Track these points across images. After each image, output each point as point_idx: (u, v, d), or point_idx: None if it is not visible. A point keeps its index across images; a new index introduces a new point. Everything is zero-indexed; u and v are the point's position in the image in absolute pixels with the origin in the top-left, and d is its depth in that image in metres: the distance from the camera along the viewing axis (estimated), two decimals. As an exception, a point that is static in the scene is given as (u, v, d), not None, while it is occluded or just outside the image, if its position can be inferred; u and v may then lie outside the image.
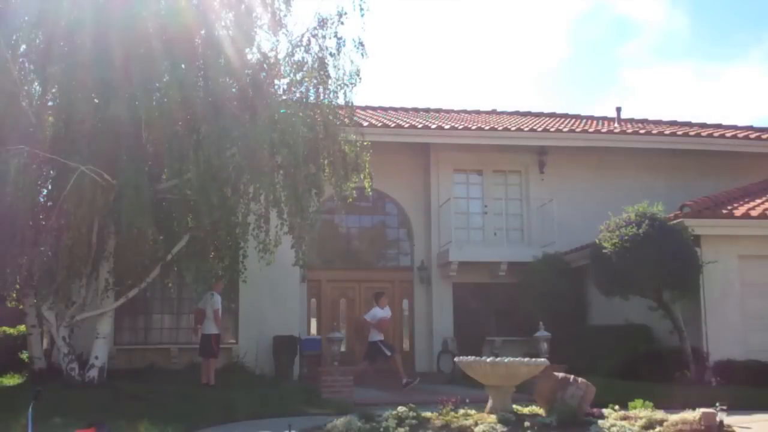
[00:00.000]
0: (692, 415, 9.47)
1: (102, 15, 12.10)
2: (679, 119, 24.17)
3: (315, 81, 13.60)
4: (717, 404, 9.53)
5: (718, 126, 23.19)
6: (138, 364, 17.00)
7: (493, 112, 25.48)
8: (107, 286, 13.58)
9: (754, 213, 15.80)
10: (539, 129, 21.18)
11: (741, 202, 16.82)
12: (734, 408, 10.09)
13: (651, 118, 24.67)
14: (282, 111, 13.00)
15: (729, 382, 14.04)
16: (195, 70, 12.87)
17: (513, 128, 21.15)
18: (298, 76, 13.63)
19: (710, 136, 21.69)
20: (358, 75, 13.77)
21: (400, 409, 9.65)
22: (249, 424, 10.93)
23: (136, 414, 10.21)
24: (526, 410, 10.05)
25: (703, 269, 15.19)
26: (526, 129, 21.12)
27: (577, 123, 23.33)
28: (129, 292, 13.83)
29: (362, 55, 13.63)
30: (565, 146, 20.98)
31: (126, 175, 11.95)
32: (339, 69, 13.68)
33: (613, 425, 9.14)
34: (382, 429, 9.23)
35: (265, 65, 13.55)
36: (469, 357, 10.72)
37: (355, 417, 9.59)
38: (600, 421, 9.35)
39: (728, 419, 9.43)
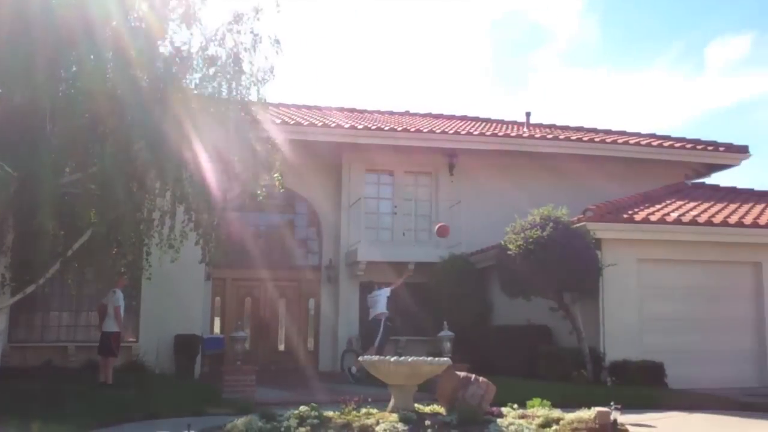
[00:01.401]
0: (588, 413, 9.71)
1: (6, 1, 11.73)
2: (586, 125, 24.74)
3: (228, 76, 13.42)
4: (611, 403, 9.79)
5: (623, 133, 23.83)
6: (33, 362, 16.57)
7: (407, 113, 25.66)
8: (4, 282, 13.16)
9: (653, 218, 16.29)
10: (450, 131, 21.42)
11: (641, 208, 17.33)
12: (628, 407, 10.38)
13: (559, 123, 25.19)
14: (193, 106, 12.83)
15: (624, 381, 14.46)
16: (104, 62, 12.54)
17: (425, 130, 21.34)
18: (211, 71, 13.41)
19: (614, 142, 22.28)
20: (272, 72, 13.62)
21: (302, 408, 9.63)
22: (147, 424, 10.76)
23: (30, 414, 9.93)
24: (427, 409, 10.15)
25: (603, 272, 15.58)
26: (438, 131, 21.34)
27: (487, 126, 23.68)
28: (26, 288, 13.42)
29: (278, 51, 13.50)
30: (475, 149, 21.25)
31: (28, 167, 11.61)
32: (253, 65, 13.54)
33: (511, 424, 9.29)
34: (283, 429, 9.18)
35: (177, 59, 13.29)
36: (373, 356, 10.78)
37: (256, 417, 9.54)
38: (499, 420, 9.50)
39: (622, 418, 9.69)
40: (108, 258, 13.68)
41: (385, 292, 17.36)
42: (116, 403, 11.57)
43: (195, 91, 13.40)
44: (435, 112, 25.89)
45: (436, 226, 18.12)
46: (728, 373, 15.89)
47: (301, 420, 9.35)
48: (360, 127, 20.64)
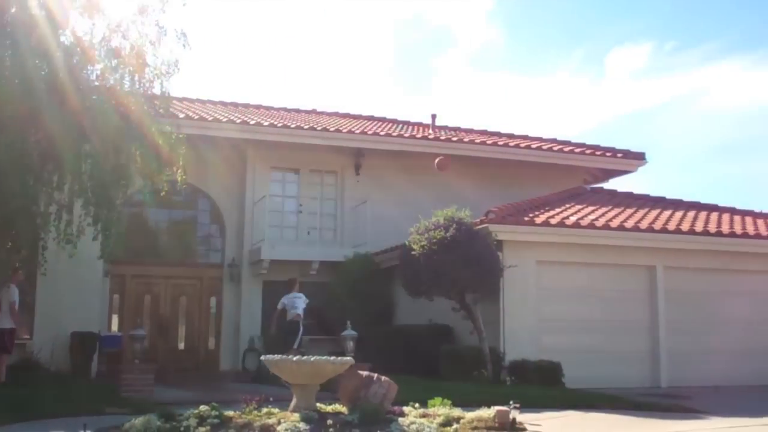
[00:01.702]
0: (487, 412, 9.84)
1: None
2: (491, 129, 25.13)
3: (131, 69, 13.14)
4: (511, 402, 9.95)
5: (525, 137, 24.29)
6: None
7: (313, 111, 25.58)
8: None
9: (553, 221, 16.64)
10: (357, 131, 21.46)
11: (542, 211, 17.70)
12: (526, 406, 10.57)
13: (464, 126, 25.51)
14: (94, 97, 12.50)
15: (523, 381, 14.71)
16: (2, 49, 12.14)
17: (332, 129, 21.31)
18: (114, 63, 13.11)
19: (517, 146, 22.70)
20: (177, 66, 13.37)
21: (202, 408, 9.47)
22: (41, 423, 10.39)
23: None
24: (329, 408, 10.11)
25: (504, 273, 15.84)
26: (345, 130, 21.35)
27: (393, 127, 23.83)
28: None
29: (184, 45, 13.27)
30: (381, 149, 21.34)
31: None
32: (158, 58, 13.27)
33: (412, 423, 9.33)
34: (182, 428, 9.02)
35: (78, 49, 12.95)
36: (276, 355, 10.70)
37: (155, 416, 9.33)
38: (401, 419, 9.53)
39: (520, 417, 9.85)
40: (2, 252, 13.23)
41: (304, 299, 17.07)
42: (9, 402, 11.15)
43: (96, 83, 13.09)
44: (342, 111, 25.90)
45: (437, 159, 17.98)
46: (623, 374, 16.37)
47: (201, 420, 9.19)
48: (266, 124, 20.46)
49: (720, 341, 17.51)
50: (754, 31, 64.42)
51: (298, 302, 16.71)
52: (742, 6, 62.54)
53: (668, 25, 64.84)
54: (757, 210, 22.15)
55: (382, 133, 21.67)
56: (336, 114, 25.55)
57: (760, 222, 19.85)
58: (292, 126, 20.82)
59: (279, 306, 16.86)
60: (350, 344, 15.66)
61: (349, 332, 15.91)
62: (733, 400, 14.17)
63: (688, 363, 17.06)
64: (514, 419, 9.68)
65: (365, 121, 24.60)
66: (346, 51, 63.13)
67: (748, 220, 19.89)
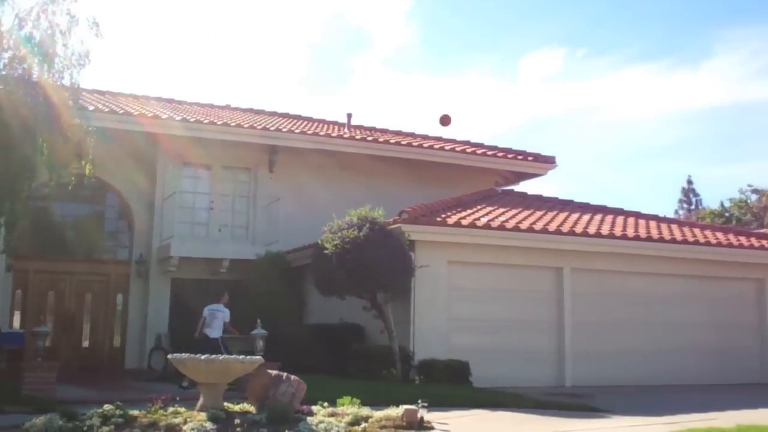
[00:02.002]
0: (396, 411, 9.89)
1: None
2: (405, 130, 25.23)
3: (40, 58, 12.76)
4: (419, 401, 10.02)
5: (439, 139, 24.47)
6: None
7: (227, 107, 25.29)
8: None
9: (464, 222, 16.81)
10: (272, 128, 21.31)
11: (454, 212, 17.85)
12: (435, 405, 10.66)
13: (380, 126, 25.57)
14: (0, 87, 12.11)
15: (431, 380, 14.84)
16: None
17: (246, 125, 21.09)
18: (22, 52, 12.73)
19: (431, 147, 22.87)
20: (88, 57, 13.00)
21: (106, 407, 9.28)
22: (-64, 421, 10.04)
23: None
24: (237, 408, 10.02)
25: (416, 273, 15.94)
26: (259, 127, 21.17)
27: (309, 125, 23.71)
28: None
29: (96, 35, 12.91)
30: (296, 147, 21.20)
31: None
32: (68, 48, 12.91)
33: (321, 422, 9.32)
34: (85, 428, 8.81)
35: (-15, 36, 12.53)
36: (183, 354, 10.56)
37: (57, 415, 9.10)
38: (309, 418, 9.51)
39: (428, 415, 9.93)
40: None
41: (226, 314, 16.56)
42: None
43: (3, 72, 12.68)
44: (257, 108, 25.66)
45: (441, 116, 17.71)
46: (530, 373, 16.67)
47: (105, 419, 9.00)
48: (178, 118, 20.13)
49: (623, 342, 17.98)
50: (658, 41, 66.44)
51: (215, 322, 16.22)
52: (648, 17, 64.43)
53: (580, 33, 66.34)
54: (661, 215, 22.88)
55: (297, 131, 21.55)
56: (250, 110, 25.30)
57: (664, 226, 20.46)
58: (205, 121, 20.52)
59: (203, 314, 16.42)
60: (260, 343, 15.50)
61: (259, 331, 15.76)
62: (634, 399, 14.56)
63: (592, 363, 17.46)
64: (422, 418, 9.76)
65: (280, 119, 24.42)
66: (263, 48, 62.72)
67: (652, 224, 20.45)
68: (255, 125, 21.31)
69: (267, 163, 21.50)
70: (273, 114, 25.31)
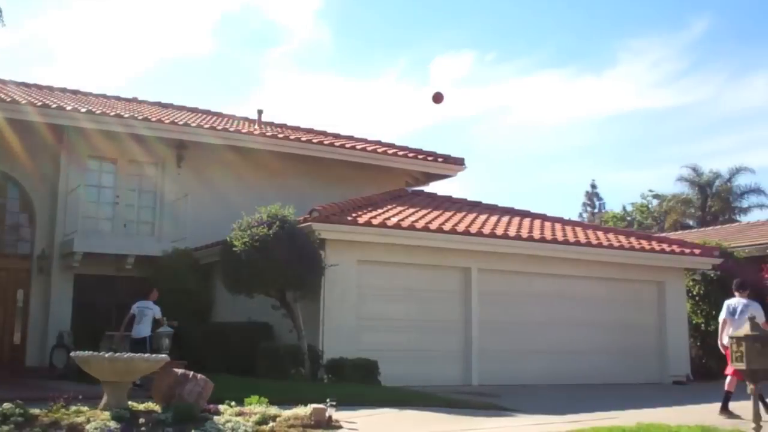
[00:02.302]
0: (304, 410, 9.83)
1: None
2: (317, 128, 25.15)
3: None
4: (327, 400, 9.99)
5: (351, 138, 24.47)
6: None
7: (135, 100, 24.75)
8: None
9: (375, 222, 16.84)
10: (180, 122, 20.91)
11: (365, 211, 17.86)
12: (343, 404, 10.63)
13: (291, 124, 25.42)
14: None
15: (340, 379, 14.82)
16: None
17: (153, 119, 20.63)
18: None
19: (342, 146, 22.84)
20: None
21: (5, 405, 8.94)
22: None
23: None
24: (142, 407, 9.80)
25: (326, 272, 15.89)
26: (167, 121, 20.75)
27: (218, 120, 23.39)
28: None
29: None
30: (205, 142, 20.89)
31: None
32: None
33: (228, 421, 9.20)
34: (-18, 427, 8.51)
35: None
36: (86, 352, 10.30)
37: (-51, 415, 8.74)
38: (216, 417, 9.38)
39: (337, 414, 9.89)
40: None
41: (157, 310, 16.19)
42: None
43: None
44: (165, 101, 25.18)
45: (433, 94, 17.35)
46: (438, 372, 16.83)
47: (4, 418, 8.67)
48: (83, 110, 19.57)
49: (529, 341, 18.33)
50: (565, 49, 68.00)
51: (145, 319, 15.88)
52: (555, 25, 65.85)
53: (489, 37, 67.34)
54: (566, 217, 23.39)
55: (206, 126, 21.24)
56: (158, 104, 24.82)
57: (569, 228, 20.92)
58: (112, 114, 19.98)
59: (131, 311, 16.03)
60: (166, 341, 15.30)
61: (165, 329, 15.54)
62: (539, 398, 14.81)
63: (499, 362, 17.74)
64: (330, 417, 9.72)
65: (189, 113, 24.00)
66: (170, 40, 61.63)
67: (558, 226, 20.88)
68: (163, 119, 20.88)
69: (175, 158, 21.13)
70: (182, 108, 24.87)
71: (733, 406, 11.44)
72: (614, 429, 9.35)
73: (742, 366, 8.98)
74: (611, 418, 10.80)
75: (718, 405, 11.77)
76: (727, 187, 44.97)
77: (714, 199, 44.95)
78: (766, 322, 11.84)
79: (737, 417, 10.99)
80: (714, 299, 22.57)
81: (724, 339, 11.81)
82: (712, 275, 22.52)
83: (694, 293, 23.11)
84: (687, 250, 20.90)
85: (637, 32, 69.92)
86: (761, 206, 43.53)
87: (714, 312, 22.41)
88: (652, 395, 15.91)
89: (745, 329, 9.08)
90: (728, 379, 11.57)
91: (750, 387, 8.90)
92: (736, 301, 12.16)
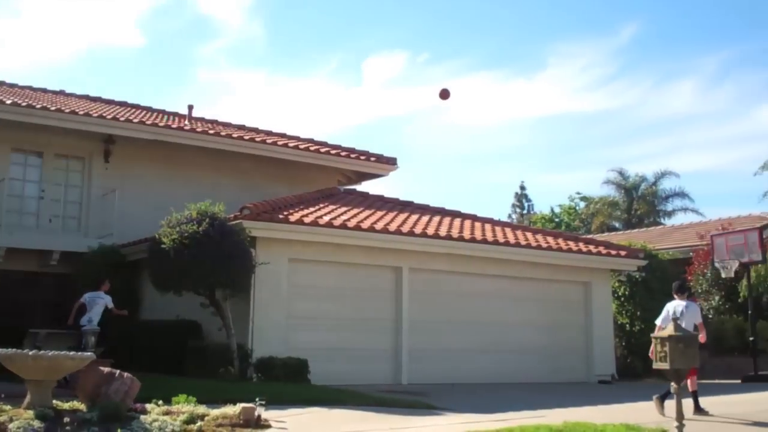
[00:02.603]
0: (233, 409, 9.76)
1: None
2: (249, 124, 24.95)
3: None
4: (257, 399, 9.93)
5: (283, 135, 24.33)
6: None
7: (62, 93, 24.21)
8: None
9: (307, 220, 16.77)
10: (108, 116, 20.52)
11: (296, 209, 17.78)
12: (273, 403, 10.57)
13: (222, 119, 25.18)
14: None
15: (270, 378, 14.73)
16: None
17: (81, 112, 20.18)
18: None
19: (274, 143, 22.70)
20: None
21: None
22: None
23: None
24: (66, 406, 9.61)
25: (256, 270, 15.77)
26: (95, 115, 20.33)
27: (148, 115, 23.00)
28: None
29: None
30: (133, 137, 20.55)
31: None
32: None
33: (155, 420, 9.08)
34: None
35: None
36: (9, 349, 10.05)
37: None
38: (143, 417, 9.25)
39: (266, 413, 9.84)
40: None
41: (108, 300, 15.90)
42: None
43: None
44: (93, 95, 24.69)
45: (440, 90, 17.06)
46: (368, 371, 16.83)
47: None
48: (8, 102, 19.06)
49: (459, 340, 18.48)
50: (497, 51, 68.78)
51: (96, 308, 15.58)
52: (487, 28, 66.54)
53: (422, 38, 67.70)
54: (496, 218, 23.64)
55: (135, 120, 20.87)
56: (86, 97, 24.32)
57: (498, 229, 21.15)
58: (38, 106, 19.50)
59: (81, 299, 15.72)
60: (92, 339, 15.03)
61: (91, 327, 15.26)
62: (468, 397, 14.94)
63: (429, 361, 17.85)
64: (259, 416, 9.67)
65: (118, 107, 23.55)
66: (97, 30, 60.50)
67: (488, 226, 21.10)
68: (91, 112, 20.45)
69: (102, 153, 20.74)
70: (110, 102, 24.40)
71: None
72: (541, 428, 9.47)
73: (665, 366, 9.19)
74: (538, 416, 10.95)
75: (642, 403, 12.04)
76: (652, 190, 46.00)
77: (639, 202, 45.93)
78: (702, 323, 12.19)
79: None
80: (639, 300, 23.18)
81: None
82: (637, 276, 23.05)
83: (620, 294, 23.62)
84: (613, 252, 21.32)
85: (567, 37, 71.14)
86: (685, 209, 44.65)
87: (638, 312, 23.02)
88: (579, 394, 16.18)
89: (669, 330, 9.30)
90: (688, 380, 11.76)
91: (673, 386, 9.11)
92: (676, 304, 12.43)
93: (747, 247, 21.05)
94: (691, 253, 24.59)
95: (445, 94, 16.78)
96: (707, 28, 70.99)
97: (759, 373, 19.82)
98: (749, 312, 20.86)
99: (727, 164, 72.54)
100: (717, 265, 21.77)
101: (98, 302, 15.71)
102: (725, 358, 21.89)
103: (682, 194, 44.94)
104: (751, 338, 20.58)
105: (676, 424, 8.92)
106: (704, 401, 11.75)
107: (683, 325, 11.58)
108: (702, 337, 11.50)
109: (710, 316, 22.77)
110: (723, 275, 21.76)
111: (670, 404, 10.40)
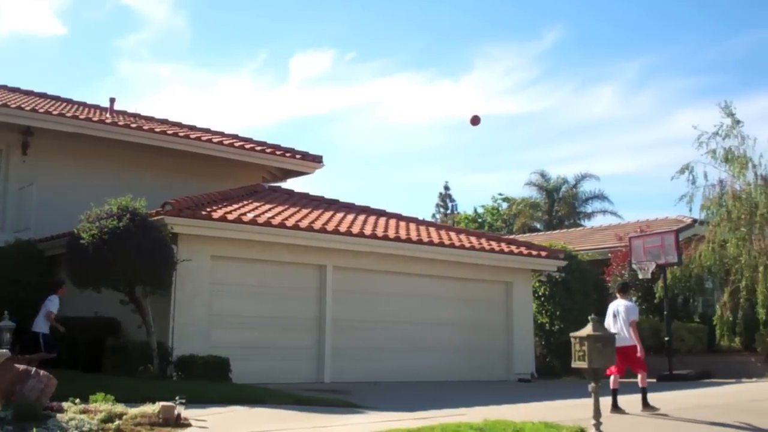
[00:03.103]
0: (152, 408, 9.62)
1: None
2: (172, 119, 24.58)
3: None
4: (177, 398, 9.80)
5: (207, 131, 24.02)
6: None
7: (-23, 82, 23.49)
8: None
9: (230, 217, 16.62)
10: (27, 108, 19.95)
11: (220, 206, 17.59)
12: (193, 401, 10.45)
13: (145, 113, 24.74)
14: None
15: (190, 376, 14.56)
16: None
17: (-2, 103, 19.67)
18: None
19: (198, 139, 22.39)
20: None
21: None
22: None
23: None
24: (-21, 405, 9.36)
25: (178, 267, 15.57)
26: (13, 105, 19.74)
27: (68, 107, 22.45)
28: None
29: None
30: (53, 129, 20.01)
31: None
32: None
33: (72, 419, 8.91)
34: None
35: None
36: None
37: None
38: (59, 415, 9.07)
39: (186, 412, 9.72)
40: None
41: (51, 305, 15.59)
42: None
43: None
44: (11, 85, 23.99)
45: (471, 117, 16.83)
46: (291, 369, 16.81)
47: None
48: None
49: (382, 339, 18.57)
50: (424, 52, 69.25)
51: (42, 310, 15.38)
52: (414, 28, 66.95)
53: (349, 37, 67.75)
54: (420, 217, 23.80)
55: (54, 112, 20.34)
56: (5, 87, 23.59)
57: (423, 228, 21.30)
58: (-48, 96, 18.93)
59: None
60: (7, 336, 14.61)
61: (7, 323, 14.85)
62: (390, 395, 15.01)
63: (352, 359, 17.89)
64: (179, 415, 9.56)
65: (37, 98, 22.91)
66: (15, 20, 58.94)
67: (412, 226, 21.23)
68: (8, 103, 19.86)
69: (20, 145, 20.18)
70: (29, 93, 23.69)
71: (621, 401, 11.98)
72: (462, 425, 9.56)
73: (584, 365, 9.36)
74: (459, 415, 11.05)
75: (560, 402, 12.25)
76: (572, 192, 46.84)
77: (560, 203, 46.72)
78: (635, 321, 12.49)
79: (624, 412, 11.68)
80: (558, 300, 23.62)
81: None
82: (557, 277, 23.46)
83: (540, 294, 24.01)
84: (534, 252, 21.66)
85: (493, 40, 72.01)
86: (604, 212, 45.57)
87: (558, 312, 23.46)
88: (499, 393, 16.39)
89: (587, 329, 9.47)
90: (611, 378, 12.05)
91: (591, 385, 9.29)
92: (617, 303, 12.74)
93: (663, 249, 21.60)
94: (609, 255, 25.11)
95: (475, 120, 17.10)
96: (629, 34, 72.69)
97: (674, 372, 20.36)
98: (665, 313, 21.40)
99: (646, 168, 74.41)
100: (634, 266, 22.28)
101: (46, 305, 15.59)
102: (641, 357, 22.40)
103: (601, 197, 45.88)
104: (666, 338, 21.12)
105: (593, 422, 9.10)
106: (622, 399, 12.00)
107: (620, 325, 11.98)
108: (635, 336, 12.17)
109: None
110: (640, 276, 22.28)
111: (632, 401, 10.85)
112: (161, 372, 14.84)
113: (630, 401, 12.11)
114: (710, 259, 22.03)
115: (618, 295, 13.06)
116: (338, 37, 69.98)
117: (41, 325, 15.55)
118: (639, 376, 12.30)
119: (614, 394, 11.98)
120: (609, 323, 12.36)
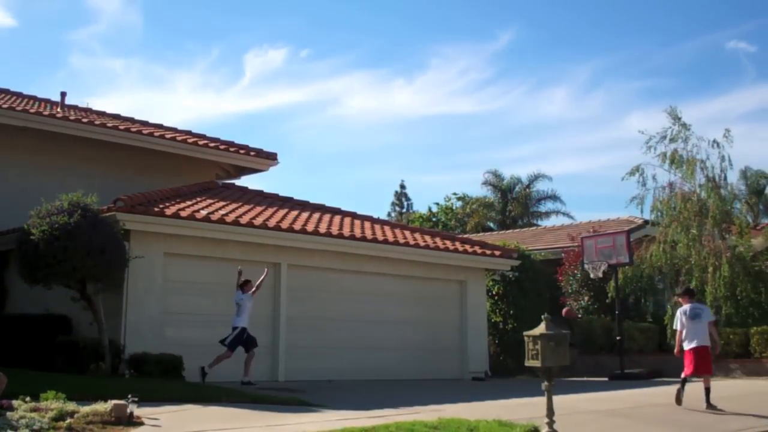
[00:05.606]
0: (104, 406, 9.50)
1: None
2: (124, 114, 24.25)
3: None
4: (129, 396, 9.69)
5: (160, 126, 23.72)
6: None
7: None
8: None
9: (183, 214, 16.47)
10: (-26, 101, 19.59)
11: (173, 202, 17.42)
12: (146, 400, 10.33)
13: (96, 108, 24.39)
14: None
15: (143, 374, 14.41)
16: None
17: (-56, 96, 19.26)
18: None
19: (151, 134, 22.11)
20: None
21: None
22: None
23: None
24: (-75, 403, 9.16)
25: (130, 264, 15.40)
26: (-41, 99, 19.39)
27: (18, 101, 22.04)
28: None
29: None
30: (2, 123, 19.58)
31: None
32: None
33: (22, 417, 8.76)
34: None
35: None
36: None
37: None
38: (9, 413, 8.91)
39: (139, 410, 9.62)
40: None
41: None
42: None
43: None
44: (-42, 78, 23.55)
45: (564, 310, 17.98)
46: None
47: None
48: None
49: (337, 337, 18.56)
50: (380, 51, 69.36)
51: None
52: (372, 26, 67.02)
53: (304, 34, 67.57)
54: (375, 216, 23.81)
55: (4, 106, 19.94)
56: (-49, 81, 23.16)
57: (378, 227, 21.32)
58: None
59: None
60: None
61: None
62: (345, 393, 15.01)
63: (306, 358, 17.85)
64: (131, 413, 9.46)
65: (-13, 93, 22.50)
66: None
67: (367, 224, 21.24)
68: (-45, 97, 19.49)
69: (-35, 139, 19.78)
70: (-24, 87, 23.30)
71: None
72: (417, 423, 9.58)
73: (537, 363, 9.42)
74: (414, 413, 11.09)
75: (514, 400, 12.32)
76: (526, 192, 47.22)
77: (514, 203, 47.07)
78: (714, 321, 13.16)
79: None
80: (512, 299, 23.81)
81: (684, 345, 12.85)
82: (510, 276, 23.64)
83: (494, 293, 24.18)
84: (488, 252, 21.80)
85: (448, 40, 72.34)
86: (557, 212, 46.08)
87: (511, 311, 23.66)
88: (453, 391, 16.47)
89: (541, 328, 9.53)
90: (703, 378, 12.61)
91: (544, 384, 9.36)
92: (692, 306, 13.05)
93: (615, 249, 21.89)
94: (562, 254, 25.38)
95: (570, 313, 17.40)
96: (581, 36, 73.52)
97: (625, 371, 20.64)
98: (616, 312, 21.68)
99: (597, 169, 75.32)
100: (586, 266, 22.54)
101: None
102: (594, 356, 22.70)
103: (554, 197, 46.36)
104: (618, 338, 21.40)
105: (546, 420, 9.17)
106: (574, 398, 12.15)
107: (701, 326, 12.66)
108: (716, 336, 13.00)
109: (579, 315, 23.56)
110: (592, 276, 22.56)
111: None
112: (113, 370, 14.66)
113: (577, 400, 12.24)
114: (661, 259, 22.35)
115: (683, 299, 13.43)
116: (293, 34, 69.86)
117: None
118: (704, 377, 12.64)
119: (707, 392, 12.38)
120: (684, 324, 12.83)
